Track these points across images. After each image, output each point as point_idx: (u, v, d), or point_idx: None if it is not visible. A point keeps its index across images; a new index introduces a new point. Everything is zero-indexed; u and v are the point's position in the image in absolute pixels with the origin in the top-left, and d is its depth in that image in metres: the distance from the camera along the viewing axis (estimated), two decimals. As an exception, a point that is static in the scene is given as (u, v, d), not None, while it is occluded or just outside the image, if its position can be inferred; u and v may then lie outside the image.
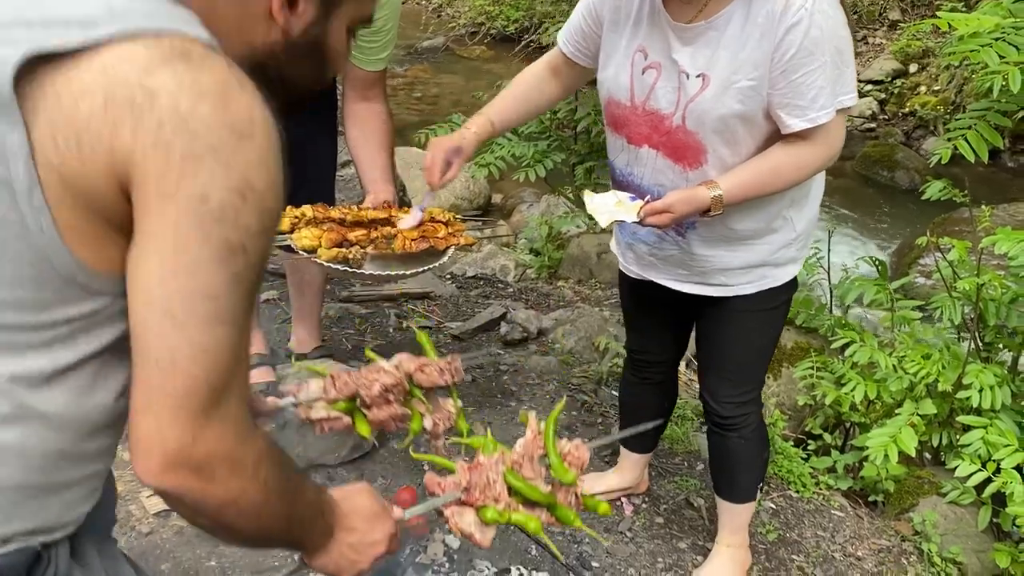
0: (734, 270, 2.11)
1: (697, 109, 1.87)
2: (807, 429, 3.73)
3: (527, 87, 2.24)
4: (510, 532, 2.52)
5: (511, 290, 4.49)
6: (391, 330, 3.64)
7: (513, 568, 2.42)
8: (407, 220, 2.23)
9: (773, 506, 2.99)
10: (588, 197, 2.01)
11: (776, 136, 1.91)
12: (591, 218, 2.03)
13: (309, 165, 2.61)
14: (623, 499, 2.79)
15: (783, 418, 3.35)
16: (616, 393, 3.44)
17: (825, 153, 1.93)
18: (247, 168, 0.87)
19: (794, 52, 1.76)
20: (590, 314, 3.94)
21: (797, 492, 3.11)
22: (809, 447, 3.64)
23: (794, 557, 2.74)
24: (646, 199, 1.94)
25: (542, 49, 5.54)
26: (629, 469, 2.79)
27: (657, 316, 2.43)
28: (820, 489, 3.19)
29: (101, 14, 0.88)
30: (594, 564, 2.53)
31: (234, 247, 0.87)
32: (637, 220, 1.92)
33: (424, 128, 4.86)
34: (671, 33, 1.88)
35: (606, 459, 3.01)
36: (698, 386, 2.43)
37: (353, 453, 2.78)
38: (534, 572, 2.41)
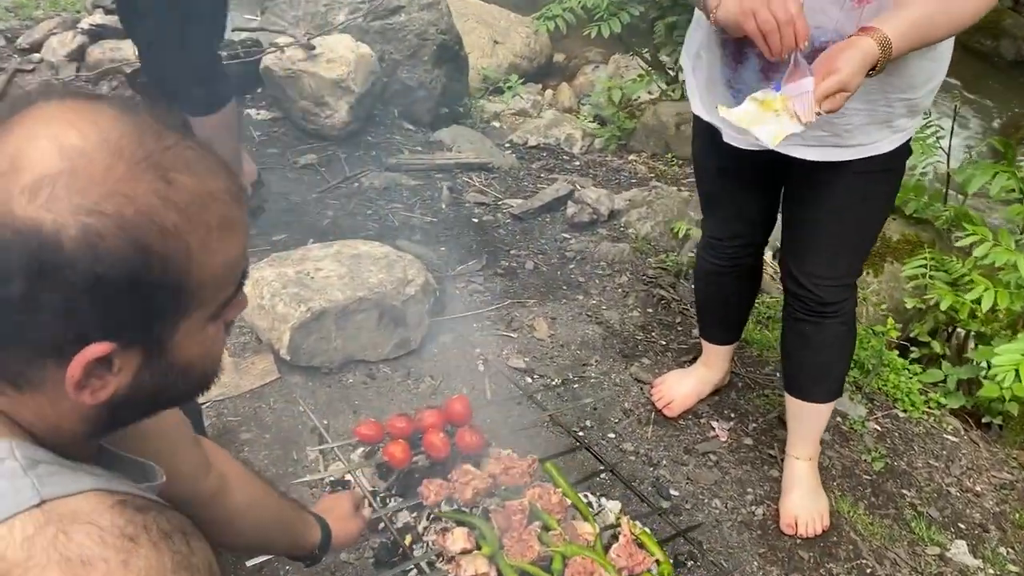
0: (880, 125, 1.74)
1: None
2: (912, 335, 3.28)
3: None
4: (577, 452, 2.17)
5: (577, 163, 4.00)
6: (443, 205, 3.21)
7: (581, 494, 2.07)
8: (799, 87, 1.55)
9: (878, 428, 2.59)
10: (724, 113, 1.58)
11: None
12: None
13: None
14: (714, 422, 2.40)
15: (895, 327, 2.88)
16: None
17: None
18: None
19: None
20: (668, 195, 3.46)
21: (904, 411, 2.70)
22: (911, 355, 3.21)
23: (904, 492, 2.36)
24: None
25: None
26: (715, 363, 2.46)
27: (753, 192, 2.06)
28: (930, 408, 2.77)
29: None
30: (673, 492, 2.18)
31: None
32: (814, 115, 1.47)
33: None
34: None
35: (685, 364, 2.62)
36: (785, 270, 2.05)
37: (397, 351, 2.42)
38: (603, 499, 2.06)
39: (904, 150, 1.84)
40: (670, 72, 5.01)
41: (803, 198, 1.93)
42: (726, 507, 2.17)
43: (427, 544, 1.85)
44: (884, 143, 1.77)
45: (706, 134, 1.95)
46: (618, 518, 1.92)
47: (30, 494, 0.70)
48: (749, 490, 2.23)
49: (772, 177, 1.98)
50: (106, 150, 0.70)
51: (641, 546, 1.84)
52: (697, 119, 1.98)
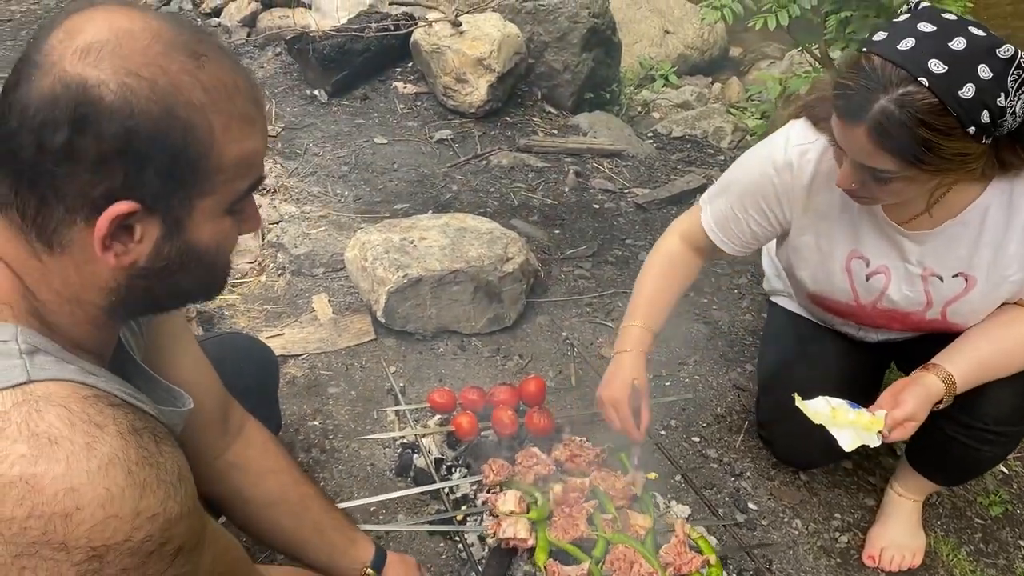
0: None
1: (964, 308, 1.64)
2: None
3: (672, 278, 1.88)
4: (650, 451, 2.10)
5: (721, 158, 3.85)
6: (566, 189, 3.18)
7: (649, 494, 2.01)
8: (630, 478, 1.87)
9: (1006, 471, 2.33)
10: (801, 404, 1.64)
11: None
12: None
13: None
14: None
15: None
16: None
17: None
18: (89, 537, 0.76)
19: None
20: (809, 197, 3.26)
21: (1045, 456, 2.42)
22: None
23: (1022, 544, 2.12)
24: (872, 408, 1.61)
25: None
26: None
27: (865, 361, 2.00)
28: (1079, 457, 2.46)
29: None
30: (751, 506, 2.06)
31: None
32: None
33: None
34: (902, 238, 1.61)
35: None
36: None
37: (491, 325, 2.43)
38: (673, 502, 1.98)
39: None
40: (839, 69, 4.71)
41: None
42: (807, 529, 2.03)
43: (481, 517, 1.86)
44: None
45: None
46: (672, 523, 1.84)
47: (19, 373, 0.78)
48: (837, 515, 2.08)
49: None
50: (149, 32, 0.81)
51: (694, 548, 1.77)
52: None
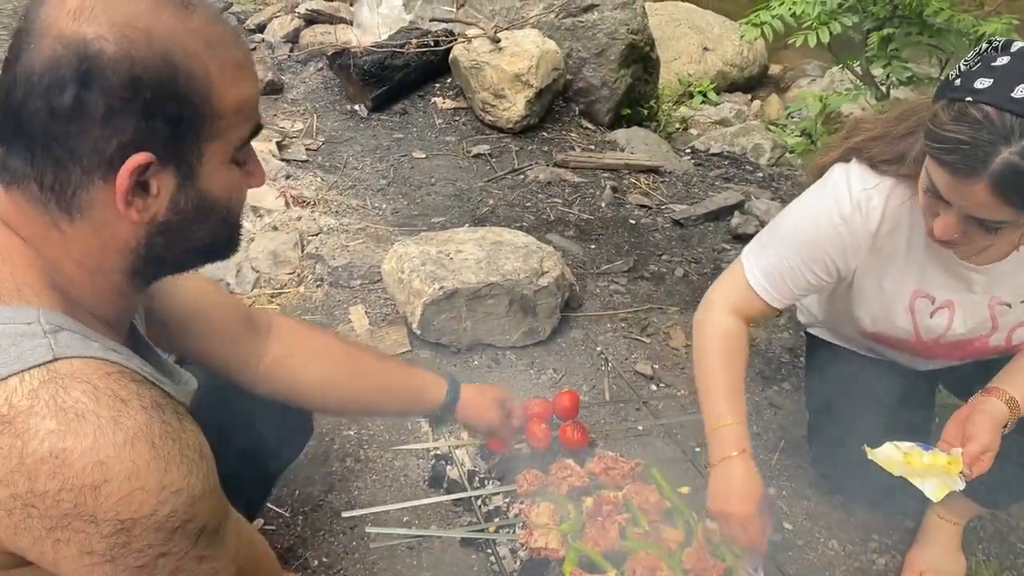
0: None
1: None
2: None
3: (737, 356, 1.72)
4: (687, 467, 2.09)
5: (760, 175, 3.83)
6: (603, 205, 3.18)
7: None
8: None
9: (1050, 496, 2.28)
10: (871, 456, 1.58)
11: None
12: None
13: None
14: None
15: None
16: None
17: None
18: (117, 509, 0.79)
19: None
20: (849, 215, 3.23)
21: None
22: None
23: (1067, 571, 2.06)
24: (940, 446, 1.57)
25: None
26: None
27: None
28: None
29: None
30: (786, 526, 2.04)
31: (147, 564, 0.83)
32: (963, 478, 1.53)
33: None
34: (970, 272, 1.60)
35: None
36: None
37: (526, 339, 2.44)
38: (707, 520, 1.96)
39: None
40: (881, 87, 4.67)
41: None
42: (844, 550, 2.00)
43: (513, 528, 1.86)
44: None
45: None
46: (696, 522, 1.83)
47: (44, 352, 0.80)
48: (875, 536, 2.04)
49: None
50: None
51: (716, 555, 1.76)
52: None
